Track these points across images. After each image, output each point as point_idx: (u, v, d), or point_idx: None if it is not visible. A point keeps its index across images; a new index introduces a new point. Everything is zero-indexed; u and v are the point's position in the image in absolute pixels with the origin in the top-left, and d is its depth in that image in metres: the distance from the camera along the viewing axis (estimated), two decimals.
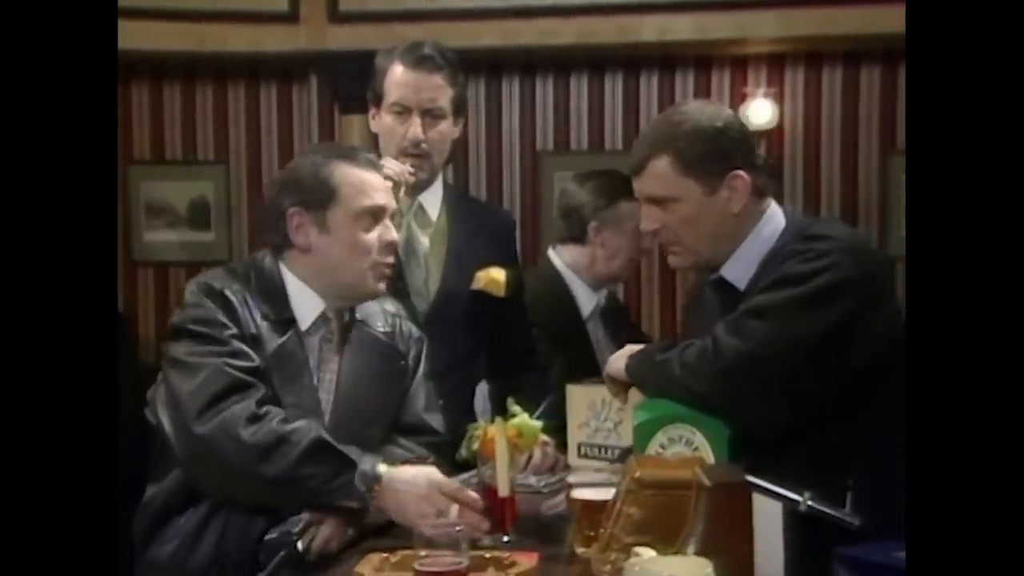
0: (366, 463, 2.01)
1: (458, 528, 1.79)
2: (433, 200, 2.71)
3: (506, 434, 2.05)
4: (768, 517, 1.65)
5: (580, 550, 1.88)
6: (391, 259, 2.21)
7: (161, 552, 2.07)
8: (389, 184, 2.27)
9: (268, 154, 5.66)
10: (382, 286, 2.21)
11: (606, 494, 1.83)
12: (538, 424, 2.16)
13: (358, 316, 2.24)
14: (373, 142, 2.74)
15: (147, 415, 2.12)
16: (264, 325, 2.10)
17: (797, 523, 1.69)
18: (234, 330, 2.07)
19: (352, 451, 2.02)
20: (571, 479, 2.05)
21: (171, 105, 5.70)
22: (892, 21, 3.76)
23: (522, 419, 2.13)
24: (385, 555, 1.83)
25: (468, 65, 2.84)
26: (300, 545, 2.01)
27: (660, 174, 2.10)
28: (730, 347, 1.95)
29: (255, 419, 1.99)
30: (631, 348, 2.17)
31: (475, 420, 2.32)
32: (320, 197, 2.14)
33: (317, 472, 1.99)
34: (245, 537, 2.04)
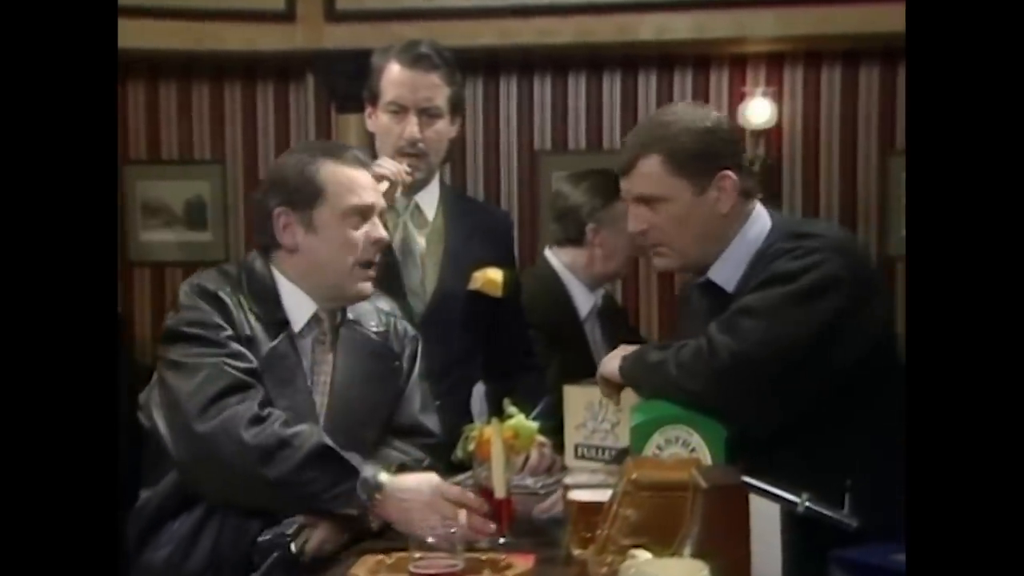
0: (368, 471, 2.00)
1: (453, 530, 1.79)
2: (430, 200, 2.69)
3: (502, 435, 2.04)
4: (766, 519, 1.65)
5: (576, 552, 1.86)
6: (378, 258, 2.19)
7: (155, 557, 2.06)
8: (382, 183, 2.26)
9: (265, 153, 5.65)
10: (367, 288, 2.18)
11: (602, 496, 1.82)
12: (534, 425, 2.15)
13: (350, 316, 2.23)
14: (370, 141, 2.73)
15: (140, 418, 2.11)
16: (258, 327, 2.09)
17: (795, 525, 1.69)
18: (230, 332, 2.05)
19: (353, 457, 2.01)
20: (567, 480, 2.05)
21: (167, 104, 5.69)
22: (891, 20, 3.76)
23: (518, 420, 2.12)
24: (380, 557, 1.82)
25: (466, 64, 2.83)
26: (294, 547, 2.00)
27: (650, 173, 2.10)
28: (725, 346, 1.95)
29: (257, 420, 1.98)
30: (624, 349, 2.16)
31: (472, 421, 2.31)
32: (306, 196, 2.11)
33: (318, 478, 1.97)
34: (240, 540, 2.03)
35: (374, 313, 2.27)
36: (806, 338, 1.94)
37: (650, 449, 1.96)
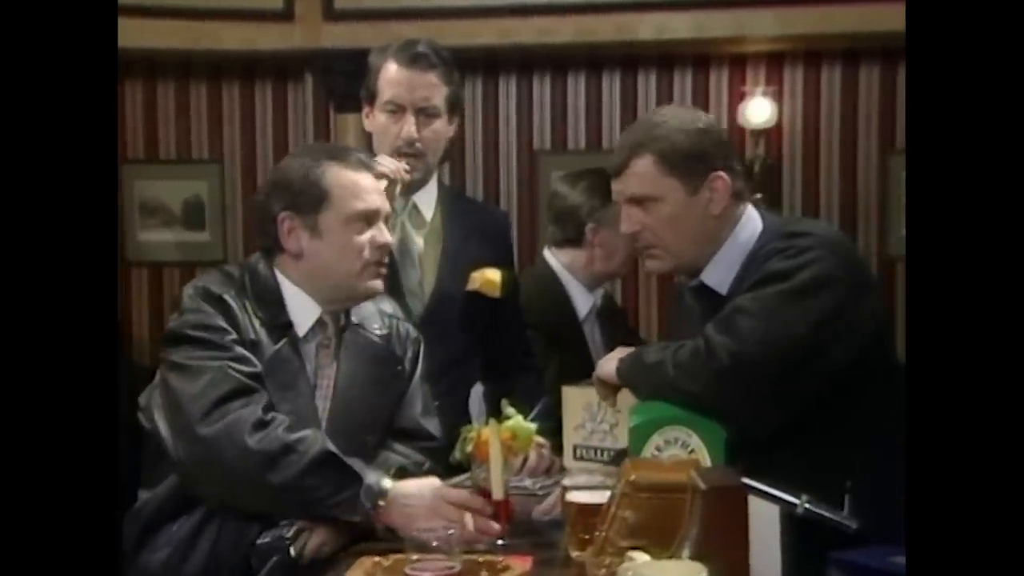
0: (371, 477, 1.99)
1: (451, 531, 1.78)
2: (428, 200, 2.69)
3: (500, 436, 2.03)
4: (765, 520, 1.64)
5: (575, 553, 1.86)
6: (385, 260, 2.18)
7: (153, 559, 2.05)
8: (383, 185, 2.25)
9: (263, 153, 5.65)
10: (378, 284, 2.18)
11: (601, 497, 1.81)
12: (532, 426, 2.14)
13: (354, 319, 2.22)
14: (367, 141, 2.72)
15: (141, 420, 2.10)
16: (262, 331, 2.08)
17: (794, 526, 1.68)
18: (234, 335, 2.04)
19: (357, 464, 2.00)
20: (566, 482, 2.03)
21: (165, 103, 5.69)
22: (891, 19, 3.76)
23: (516, 421, 2.11)
24: (377, 559, 1.82)
25: (465, 64, 2.82)
26: (293, 550, 1.98)
27: (643, 173, 2.11)
28: (723, 346, 1.95)
29: (261, 425, 1.97)
30: (621, 351, 2.16)
31: (470, 422, 2.30)
32: (311, 201, 2.10)
33: (322, 484, 1.96)
34: (239, 543, 2.02)
35: (377, 315, 2.26)
36: (804, 336, 1.95)
37: (649, 450, 1.96)
